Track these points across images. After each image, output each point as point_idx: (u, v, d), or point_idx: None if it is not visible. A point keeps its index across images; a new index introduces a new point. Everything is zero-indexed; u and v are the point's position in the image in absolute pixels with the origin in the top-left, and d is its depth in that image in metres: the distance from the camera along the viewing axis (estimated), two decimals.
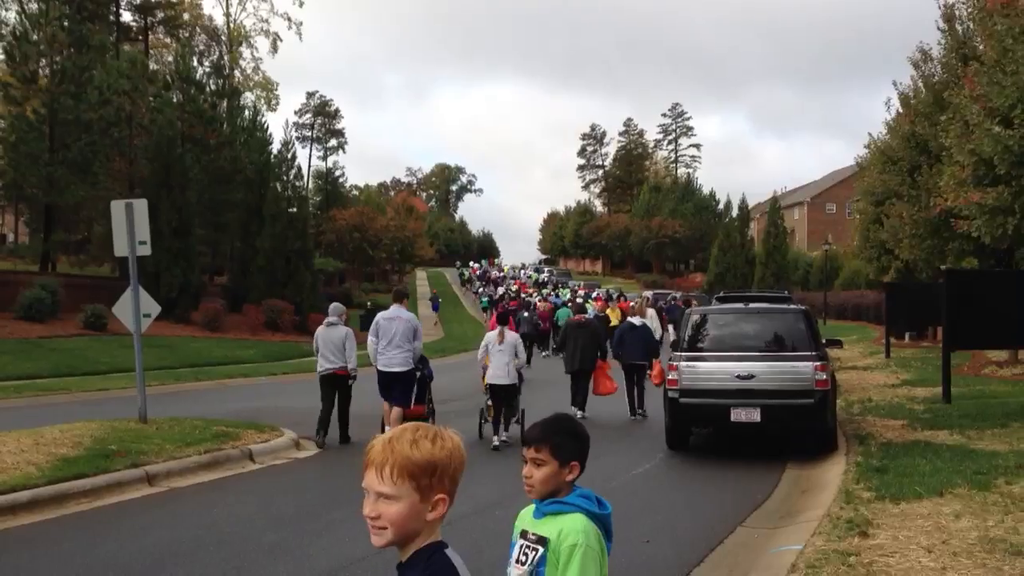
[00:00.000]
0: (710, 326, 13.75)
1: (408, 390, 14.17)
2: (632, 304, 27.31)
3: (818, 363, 12.78)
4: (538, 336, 33.45)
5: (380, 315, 14.54)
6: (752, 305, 14.02)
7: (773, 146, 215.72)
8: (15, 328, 30.50)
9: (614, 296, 47.47)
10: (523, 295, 59.77)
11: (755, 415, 12.67)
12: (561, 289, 65.21)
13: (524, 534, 3.07)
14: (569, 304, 39.44)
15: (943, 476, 10.09)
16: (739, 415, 12.73)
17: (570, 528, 2.96)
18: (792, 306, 14.02)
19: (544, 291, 64.82)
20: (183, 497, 10.57)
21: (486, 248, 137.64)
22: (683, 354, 13.42)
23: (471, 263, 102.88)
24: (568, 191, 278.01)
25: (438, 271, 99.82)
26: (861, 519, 8.38)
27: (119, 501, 10.22)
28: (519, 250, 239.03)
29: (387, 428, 12.96)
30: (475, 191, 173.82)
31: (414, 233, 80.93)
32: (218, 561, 7.81)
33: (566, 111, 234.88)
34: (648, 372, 17.65)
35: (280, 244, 44.64)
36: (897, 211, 26.71)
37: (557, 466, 3.11)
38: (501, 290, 67.69)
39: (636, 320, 19.02)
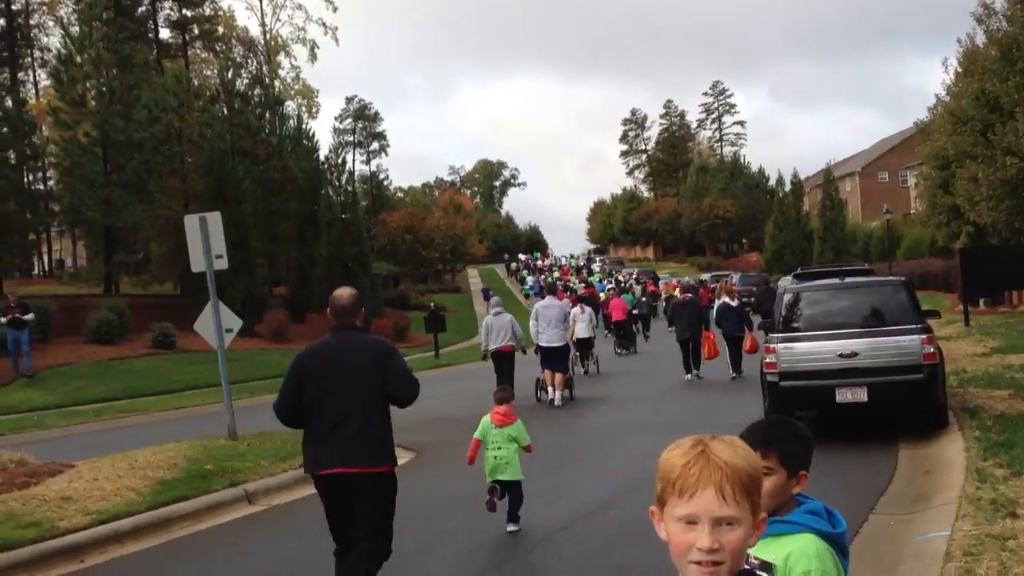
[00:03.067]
0: (804, 304, 13.21)
1: (565, 359, 18.92)
2: (713, 287, 36.46)
3: (924, 336, 12.24)
4: (645, 316, 38.78)
5: (539, 304, 19.37)
6: (848, 280, 13.48)
7: (800, 120, 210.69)
8: (86, 351, 30.69)
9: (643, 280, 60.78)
10: (568, 282, 64.30)
11: (862, 395, 12.14)
12: (593, 276, 69.17)
13: None
14: (610, 290, 43.99)
15: None
16: (845, 396, 12.19)
17: (800, 552, 2.55)
18: (890, 277, 13.50)
19: (591, 277, 68.10)
20: (287, 515, 10.34)
21: (534, 242, 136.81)
22: (779, 335, 12.89)
23: (520, 255, 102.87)
24: (608, 178, 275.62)
25: (489, 268, 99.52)
26: (1004, 499, 7.90)
27: (223, 523, 10.02)
28: (565, 241, 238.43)
29: (549, 389, 18.34)
30: (519, 185, 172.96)
31: (464, 231, 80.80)
32: None
33: (590, 99, 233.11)
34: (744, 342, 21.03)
35: (337, 251, 44.63)
36: (971, 172, 25.88)
37: (785, 476, 2.72)
38: (544, 277, 73.11)
39: (733, 301, 22.19)
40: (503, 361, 18.48)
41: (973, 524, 7.36)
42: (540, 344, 18.41)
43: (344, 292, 6.66)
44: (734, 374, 21.06)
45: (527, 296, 68.78)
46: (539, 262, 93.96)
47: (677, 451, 1.94)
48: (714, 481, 1.85)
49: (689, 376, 21.53)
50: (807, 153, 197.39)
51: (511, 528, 8.75)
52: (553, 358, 18.46)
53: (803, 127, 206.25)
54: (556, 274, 76.56)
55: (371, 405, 6.18)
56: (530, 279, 76.00)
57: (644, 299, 41.58)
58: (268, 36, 75.13)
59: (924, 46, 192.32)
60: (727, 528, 1.85)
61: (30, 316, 26.03)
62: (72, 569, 8.41)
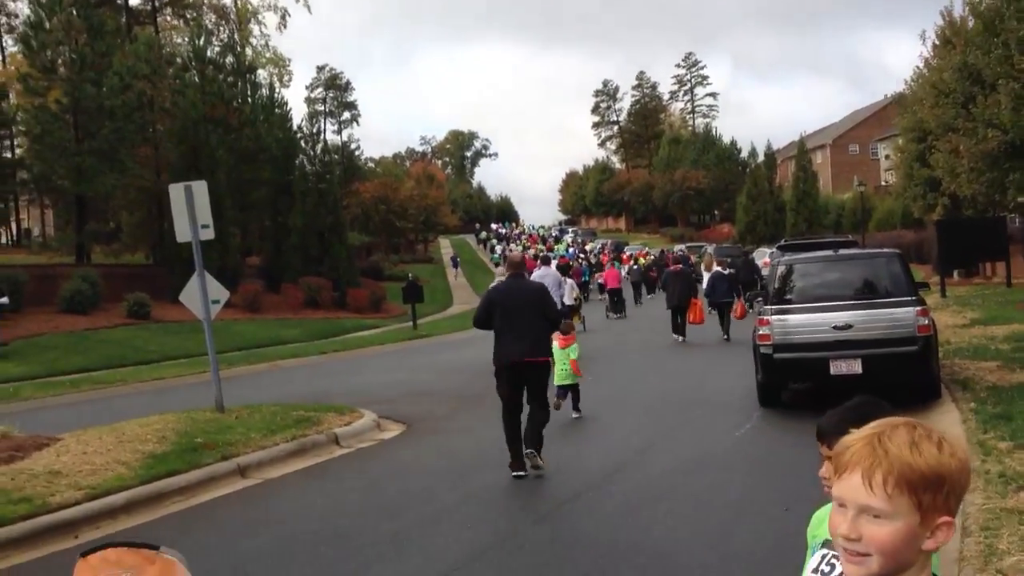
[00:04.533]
0: (797, 276, 13.15)
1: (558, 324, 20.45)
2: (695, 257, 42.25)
3: (919, 308, 12.20)
4: (645, 282, 43.06)
5: (536, 273, 19.55)
6: (842, 251, 13.43)
7: (762, 93, 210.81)
8: (60, 322, 30.25)
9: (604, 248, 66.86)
10: (536, 251, 66.79)
11: (856, 367, 12.09)
12: (559, 245, 72.37)
13: (829, 544, 2.53)
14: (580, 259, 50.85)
15: None
16: (839, 368, 12.14)
17: None
18: (884, 249, 13.45)
19: (558, 245, 71.13)
20: (282, 489, 10.16)
21: (505, 212, 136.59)
22: (773, 307, 12.81)
23: (492, 225, 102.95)
24: (579, 149, 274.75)
25: (461, 238, 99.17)
26: (1013, 473, 7.83)
27: (217, 497, 9.81)
28: (536, 212, 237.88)
29: None
30: (490, 155, 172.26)
31: (436, 201, 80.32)
32: (344, 556, 7.38)
33: (557, 69, 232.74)
34: (733, 308, 23.32)
35: (312, 221, 44.24)
36: (953, 145, 25.89)
37: None
38: (512, 246, 75.10)
39: (724, 270, 24.31)
40: None
41: (985, 498, 7.28)
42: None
43: (516, 254, 11.72)
44: (725, 336, 22.75)
45: (496, 264, 71.17)
46: (507, 231, 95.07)
47: (858, 432, 1.82)
48: (863, 466, 1.72)
49: (677, 339, 23.19)
50: (769, 125, 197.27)
51: (575, 415, 13.19)
52: None
53: (765, 99, 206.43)
54: (526, 242, 78.15)
55: (536, 322, 9.90)
56: (499, 248, 77.81)
57: (637, 267, 45.30)
58: (239, 3, 73.95)
59: (882, 19, 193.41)
60: (873, 520, 1.72)
61: (4, 300, 25.70)
62: (67, 546, 8.17)
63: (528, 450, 9.74)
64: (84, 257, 39.28)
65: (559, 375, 12.65)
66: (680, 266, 25.50)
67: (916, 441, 1.75)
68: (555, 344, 11.92)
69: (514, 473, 9.63)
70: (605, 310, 33.37)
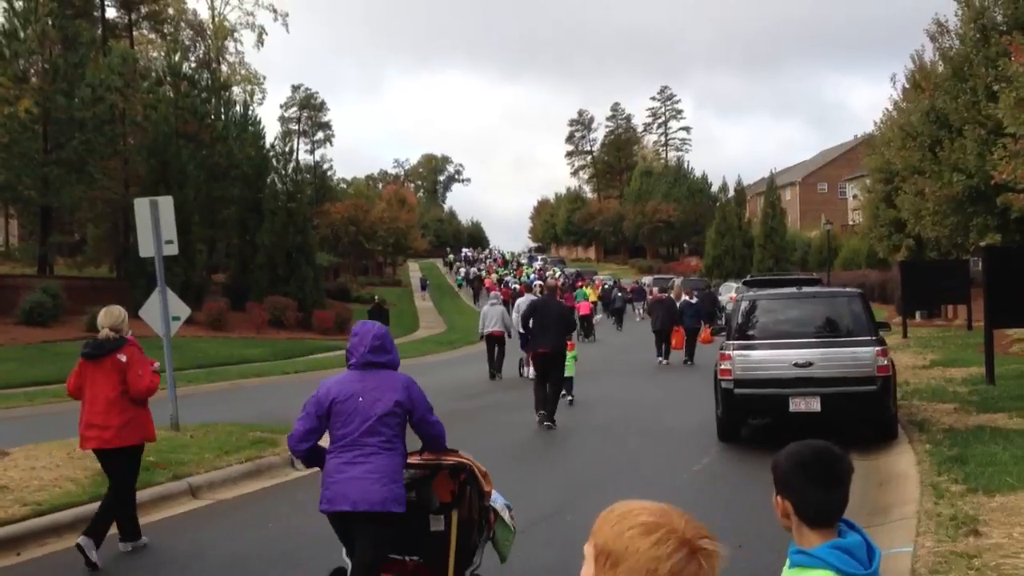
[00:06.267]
0: (760, 312, 13.22)
1: (573, 329, 22.59)
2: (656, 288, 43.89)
3: (879, 348, 12.29)
4: (622, 310, 45.74)
5: (520, 300, 23.60)
6: (805, 289, 13.53)
7: (733, 129, 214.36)
8: (18, 333, 29.81)
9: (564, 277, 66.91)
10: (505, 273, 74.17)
11: (815, 404, 12.16)
12: (526, 268, 78.30)
13: None
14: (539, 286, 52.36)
15: None
16: (798, 405, 12.21)
17: None
18: (847, 289, 13.56)
19: (526, 269, 75.72)
20: (233, 510, 10.03)
21: (476, 238, 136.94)
22: (735, 342, 12.87)
23: (463, 250, 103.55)
24: (549, 178, 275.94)
25: (430, 262, 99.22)
26: (965, 516, 7.86)
27: (167, 517, 9.67)
28: (507, 239, 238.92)
29: (527, 368, 21.07)
30: (463, 180, 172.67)
31: (407, 224, 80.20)
32: None
33: (527, 98, 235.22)
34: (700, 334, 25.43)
35: (280, 239, 43.93)
36: (918, 187, 26.24)
37: (778, 498, 2.73)
38: (474, 269, 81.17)
39: (692, 299, 26.78)
40: (495, 342, 23.11)
41: (936, 541, 7.30)
42: (521, 331, 20.37)
43: (551, 280, 23.32)
44: (685, 362, 25.20)
45: (460, 286, 76.48)
46: (472, 255, 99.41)
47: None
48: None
49: (660, 360, 25.44)
50: (740, 161, 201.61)
51: (569, 398, 16.92)
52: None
53: (736, 135, 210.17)
54: (489, 266, 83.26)
55: (561, 326, 15.04)
56: (462, 271, 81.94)
57: (623, 293, 48.32)
58: (217, 20, 73.84)
59: (847, 64, 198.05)
60: None
61: None
62: (9, 563, 8.02)
63: (546, 410, 14.37)
64: (47, 269, 38.81)
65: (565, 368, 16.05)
66: (664, 295, 27.84)
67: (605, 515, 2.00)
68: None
69: (543, 423, 14.35)
70: (575, 334, 34.01)
